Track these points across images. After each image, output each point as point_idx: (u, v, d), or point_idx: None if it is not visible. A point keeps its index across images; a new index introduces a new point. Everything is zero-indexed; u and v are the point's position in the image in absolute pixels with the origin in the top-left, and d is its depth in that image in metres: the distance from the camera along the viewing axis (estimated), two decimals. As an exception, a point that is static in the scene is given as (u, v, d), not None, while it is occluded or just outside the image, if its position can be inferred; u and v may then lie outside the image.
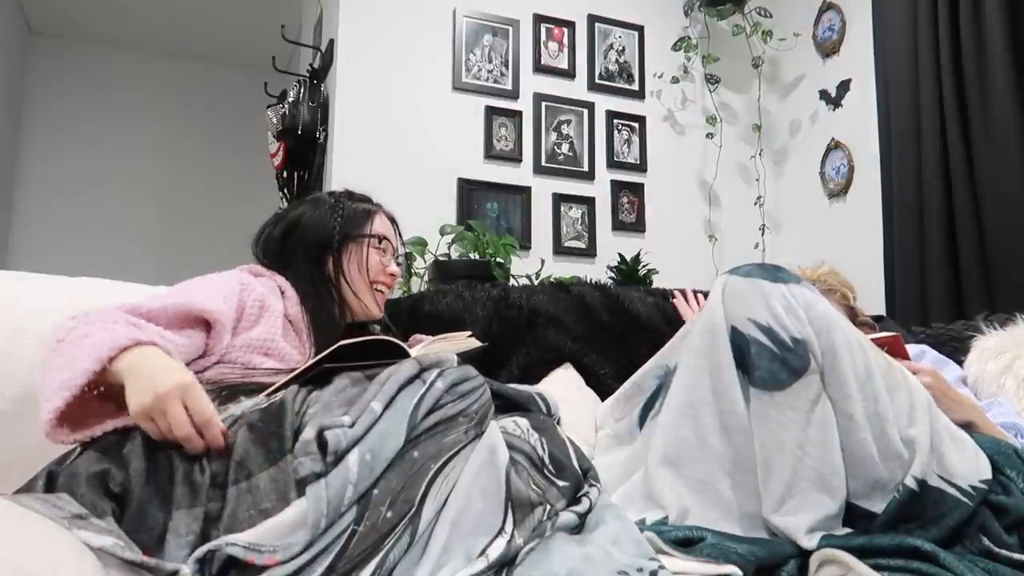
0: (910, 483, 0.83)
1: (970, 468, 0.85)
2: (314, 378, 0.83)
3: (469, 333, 1.07)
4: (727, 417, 0.89)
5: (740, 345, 0.88)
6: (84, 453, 0.75)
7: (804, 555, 0.82)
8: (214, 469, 0.68)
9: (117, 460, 0.71)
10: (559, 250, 2.75)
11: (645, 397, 1.08)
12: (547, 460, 0.83)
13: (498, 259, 2.26)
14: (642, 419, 1.08)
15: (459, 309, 1.49)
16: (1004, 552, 0.80)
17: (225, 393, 0.87)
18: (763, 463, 0.87)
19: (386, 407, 0.69)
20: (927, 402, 0.88)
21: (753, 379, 0.87)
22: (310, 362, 0.86)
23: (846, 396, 0.85)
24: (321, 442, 0.65)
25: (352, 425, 0.66)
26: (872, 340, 1.01)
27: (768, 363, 0.85)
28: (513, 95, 2.77)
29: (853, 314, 1.49)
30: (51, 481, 0.72)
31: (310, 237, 1.18)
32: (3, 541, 0.51)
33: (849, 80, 2.77)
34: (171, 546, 0.63)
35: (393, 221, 1.29)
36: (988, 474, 0.86)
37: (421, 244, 2.27)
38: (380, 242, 1.23)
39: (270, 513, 0.63)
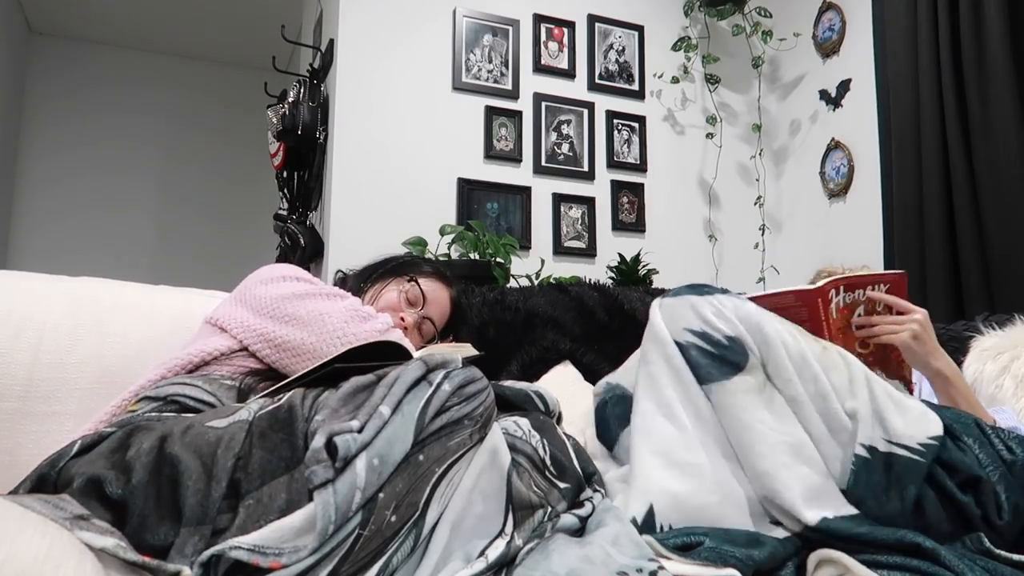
0: (860, 451, 0.86)
1: (916, 427, 0.88)
2: (322, 377, 0.83)
3: (469, 344, 1.07)
4: (697, 411, 0.92)
5: (684, 355, 0.93)
6: (82, 456, 0.73)
7: (802, 555, 0.83)
8: (227, 481, 0.66)
9: (119, 465, 0.69)
10: (559, 250, 2.75)
11: (613, 424, 1.09)
12: (549, 462, 0.83)
13: (498, 259, 2.26)
14: (612, 442, 1.08)
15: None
16: (1003, 553, 0.81)
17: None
18: (739, 447, 0.89)
19: (394, 411, 0.69)
20: (865, 375, 0.92)
21: (701, 378, 0.91)
22: (319, 362, 0.87)
23: (788, 381, 0.89)
24: (331, 449, 0.64)
25: (361, 430, 0.66)
26: (876, 276, 1.11)
27: (709, 361, 0.90)
28: (513, 95, 2.77)
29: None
30: (42, 484, 0.70)
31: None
32: (3, 542, 0.51)
33: (849, 80, 2.77)
34: (175, 562, 0.62)
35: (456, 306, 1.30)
36: (938, 431, 0.89)
37: (421, 244, 2.27)
38: (409, 283, 1.23)
39: (281, 522, 0.62)
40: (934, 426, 0.89)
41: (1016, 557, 0.80)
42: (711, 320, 0.91)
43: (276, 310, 1.03)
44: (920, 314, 1.12)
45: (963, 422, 0.93)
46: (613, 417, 1.07)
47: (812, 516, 0.82)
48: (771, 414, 0.87)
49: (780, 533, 0.85)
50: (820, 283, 1.08)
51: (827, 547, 0.81)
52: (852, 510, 0.84)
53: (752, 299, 1.10)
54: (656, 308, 0.97)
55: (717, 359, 0.89)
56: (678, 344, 0.92)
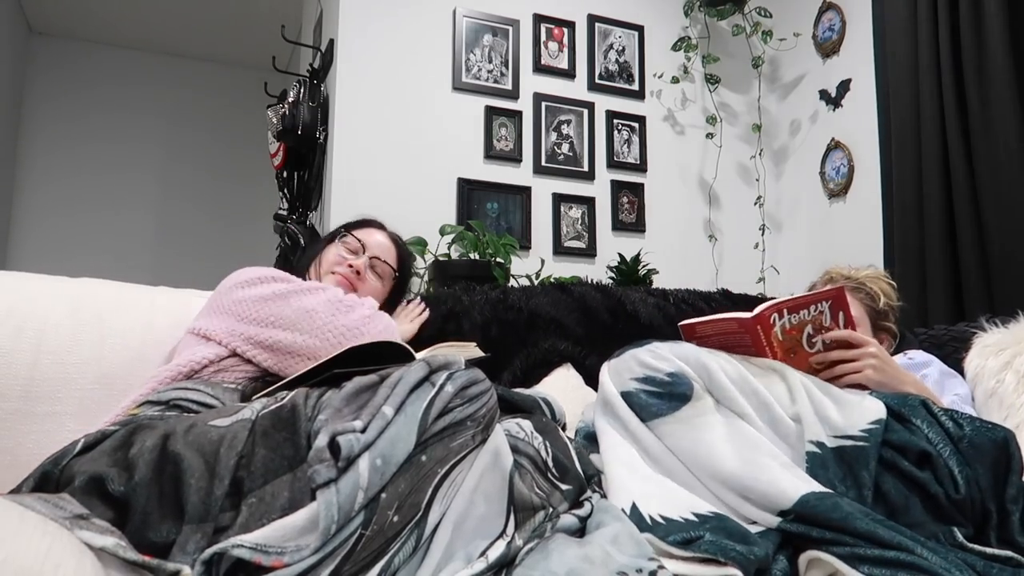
0: (810, 448, 0.91)
1: (855, 416, 0.93)
2: (325, 377, 0.83)
3: (474, 344, 1.07)
4: (645, 448, 0.96)
5: (633, 404, 0.98)
6: (85, 454, 0.73)
7: (794, 555, 0.83)
8: (230, 479, 0.66)
9: (121, 463, 0.69)
10: (559, 250, 2.75)
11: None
12: (551, 464, 0.83)
13: (498, 259, 2.26)
14: None
15: (458, 312, 1.48)
16: (976, 546, 0.85)
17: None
18: (701, 464, 0.91)
19: (397, 411, 0.68)
20: (802, 382, 0.98)
21: (650, 415, 0.96)
22: (320, 361, 0.86)
23: (733, 399, 0.95)
24: (334, 448, 0.64)
25: (364, 430, 0.66)
26: (817, 295, 1.12)
27: (658, 400, 0.95)
28: (513, 95, 2.77)
29: (876, 316, 1.47)
30: (45, 482, 0.70)
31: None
32: (3, 542, 0.51)
33: (849, 80, 2.77)
34: (176, 560, 0.62)
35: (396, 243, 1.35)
36: (879, 415, 0.93)
37: (421, 244, 2.27)
38: (342, 239, 1.29)
39: (284, 521, 0.62)
40: (874, 412, 0.93)
41: (989, 551, 0.84)
42: (651, 363, 0.98)
43: (259, 312, 1.03)
44: (873, 346, 1.14)
45: (910, 405, 0.97)
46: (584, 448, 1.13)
47: (794, 490, 0.84)
48: (728, 428, 0.93)
49: (755, 531, 0.86)
50: (759, 309, 1.08)
51: (807, 540, 0.82)
52: (827, 489, 0.86)
53: (699, 323, 1.14)
54: (605, 369, 1.04)
55: (664, 396, 0.95)
56: (624, 394, 0.98)
